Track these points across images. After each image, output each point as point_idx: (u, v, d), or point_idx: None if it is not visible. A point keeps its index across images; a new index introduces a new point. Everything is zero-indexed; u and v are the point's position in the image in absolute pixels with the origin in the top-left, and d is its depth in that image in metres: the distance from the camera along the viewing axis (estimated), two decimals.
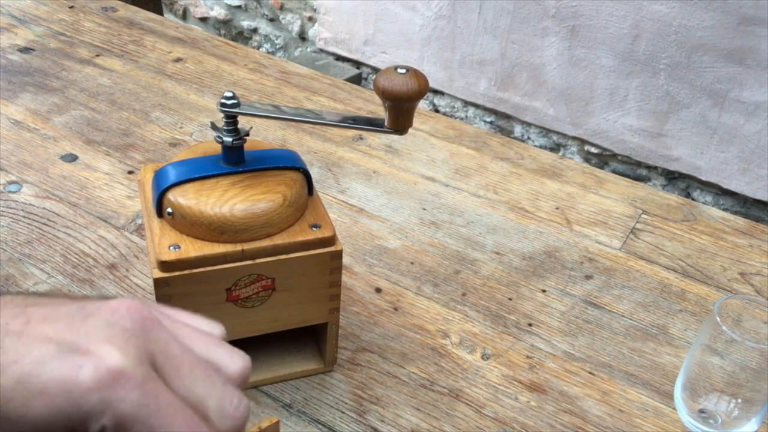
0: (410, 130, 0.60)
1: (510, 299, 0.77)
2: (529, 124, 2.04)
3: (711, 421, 0.58)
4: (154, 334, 0.33)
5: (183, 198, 0.57)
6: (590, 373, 0.69)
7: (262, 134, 1.00)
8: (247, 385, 0.38)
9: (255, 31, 2.52)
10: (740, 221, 0.90)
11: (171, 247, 0.56)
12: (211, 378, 0.34)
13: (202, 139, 0.98)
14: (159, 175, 0.60)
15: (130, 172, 0.91)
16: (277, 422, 0.50)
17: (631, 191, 0.94)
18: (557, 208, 0.90)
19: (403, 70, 0.55)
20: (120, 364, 0.30)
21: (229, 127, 0.59)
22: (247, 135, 0.60)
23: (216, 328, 0.38)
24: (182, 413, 0.32)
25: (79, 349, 0.31)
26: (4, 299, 0.34)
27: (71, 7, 1.30)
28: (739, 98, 1.68)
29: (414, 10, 2.06)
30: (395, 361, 0.69)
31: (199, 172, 0.59)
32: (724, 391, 0.57)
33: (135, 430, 0.30)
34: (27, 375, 0.30)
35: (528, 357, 0.70)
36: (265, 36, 2.51)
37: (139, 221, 0.83)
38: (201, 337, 0.36)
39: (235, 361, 0.36)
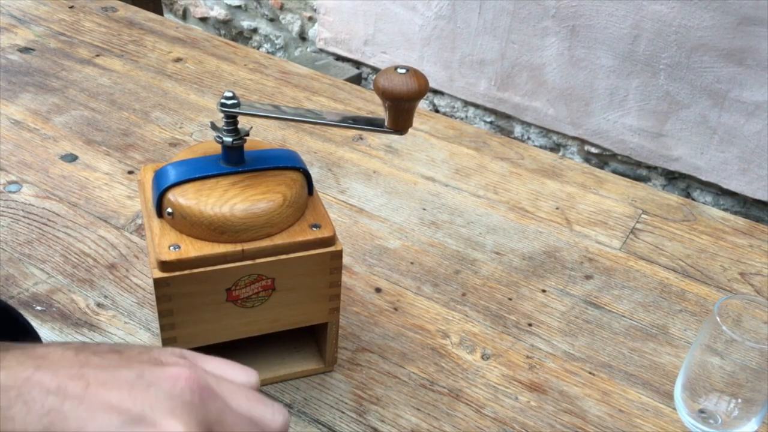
0: (410, 130, 0.60)
1: (510, 299, 0.77)
2: (529, 124, 2.04)
3: (711, 421, 0.58)
4: (211, 404, 0.34)
5: (183, 198, 0.57)
6: (590, 373, 0.69)
7: (262, 134, 1.00)
8: None
9: (255, 31, 2.52)
10: (740, 221, 0.90)
11: (171, 247, 0.56)
12: None
13: (202, 139, 0.98)
14: (159, 175, 0.60)
15: (130, 172, 0.91)
16: None
17: (631, 191, 0.94)
18: (557, 208, 0.90)
19: (403, 70, 0.55)
20: None
21: (229, 127, 0.59)
22: (247, 135, 0.60)
23: (252, 377, 0.39)
24: None
25: (144, 421, 0.31)
26: (52, 356, 0.33)
27: (71, 7, 1.29)
28: (739, 98, 1.68)
29: (414, 10, 2.06)
30: (395, 361, 0.69)
31: (199, 172, 0.59)
32: (724, 391, 0.57)
33: None
34: None
35: (528, 357, 0.70)
36: (265, 36, 2.51)
37: (139, 221, 0.83)
38: (243, 395, 0.37)
39: (276, 416, 0.38)
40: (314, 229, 0.59)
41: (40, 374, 0.31)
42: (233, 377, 0.38)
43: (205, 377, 0.34)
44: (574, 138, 1.98)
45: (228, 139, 0.59)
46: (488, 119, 2.11)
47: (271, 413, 0.38)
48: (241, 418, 0.35)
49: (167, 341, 0.59)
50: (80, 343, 0.35)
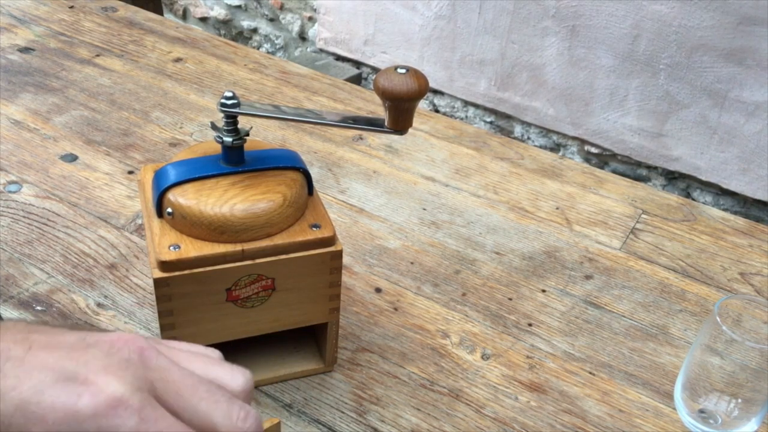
0: (410, 130, 0.60)
1: (510, 299, 0.77)
2: (529, 124, 2.04)
3: (711, 421, 0.58)
4: (153, 363, 0.34)
5: (183, 198, 0.57)
6: (590, 373, 0.69)
7: (262, 134, 1.00)
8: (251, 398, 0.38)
9: (255, 31, 2.52)
10: (740, 221, 0.90)
11: (171, 247, 0.56)
12: (214, 395, 0.35)
13: (202, 139, 0.98)
14: (159, 175, 0.60)
15: (130, 172, 0.91)
16: (278, 423, 0.50)
17: (631, 191, 0.94)
18: (557, 208, 0.90)
19: (403, 70, 0.55)
20: (117, 392, 0.31)
21: (229, 127, 0.59)
22: (247, 135, 0.60)
23: (214, 353, 0.39)
24: None
25: (78, 378, 0.32)
26: (6, 325, 0.34)
27: (71, 7, 1.30)
28: (739, 98, 1.68)
29: (414, 10, 2.06)
30: (395, 361, 0.69)
31: (199, 172, 0.59)
32: (724, 391, 0.57)
33: None
34: (26, 402, 0.31)
35: (528, 357, 0.70)
36: (265, 36, 2.51)
37: (139, 221, 0.83)
38: (200, 360, 0.37)
39: (236, 377, 0.37)
40: (314, 229, 0.59)
41: None
42: (195, 350, 0.38)
43: (149, 342, 0.34)
44: (574, 138, 1.98)
45: (228, 139, 0.59)
46: (488, 119, 2.11)
47: (231, 374, 0.37)
48: (192, 378, 0.35)
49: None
50: (35, 320, 0.36)
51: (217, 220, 0.56)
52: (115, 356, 0.33)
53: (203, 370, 0.36)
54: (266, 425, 0.57)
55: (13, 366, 0.32)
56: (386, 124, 0.57)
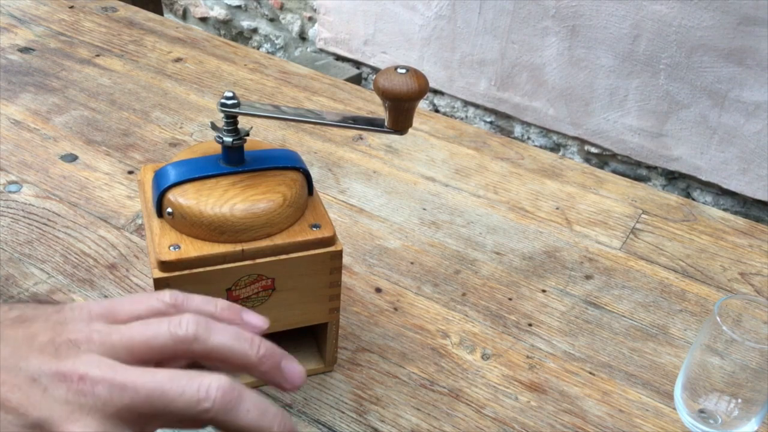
0: (410, 130, 0.60)
1: (510, 299, 0.77)
2: (529, 124, 2.04)
3: (711, 421, 0.58)
4: (106, 397, 0.34)
5: (183, 198, 0.57)
6: (590, 373, 0.69)
7: (262, 134, 1.00)
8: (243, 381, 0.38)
9: (255, 31, 2.52)
10: (740, 221, 0.90)
11: (171, 247, 0.56)
12: (167, 380, 0.34)
13: (202, 139, 0.98)
14: (159, 175, 0.60)
15: (130, 172, 0.91)
16: None
17: (631, 191, 0.94)
18: (557, 208, 0.90)
19: (403, 70, 0.55)
20: None
21: (229, 127, 0.59)
22: (247, 135, 0.60)
23: (157, 300, 0.39)
24: None
25: (42, 428, 0.32)
26: None
27: (71, 7, 1.30)
28: (739, 98, 1.68)
29: (414, 10, 2.06)
30: (395, 361, 0.69)
31: (199, 172, 0.59)
32: (724, 391, 0.57)
33: None
34: None
35: (528, 357, 0.70)
36: (265, 36, 2.51)
37: (139, 221, 0.83)
38: (143, 331, 0.37)
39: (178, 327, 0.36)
40: (314, 229, 0.59)
41: None
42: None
43: (102, 375, 0.34)
44: (574, 138, 1.98)
45: (228, 139, 0.59)
46: (488, 119, 2.11)
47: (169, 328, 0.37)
48: (147, 382, 0.35)
49: None
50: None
51: (217, 220, 0.56)
52: (73, 401, 0.33)
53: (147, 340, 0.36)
54: None
55: None
56: (386, 124, 0.57)
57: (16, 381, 0.33)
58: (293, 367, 0.38)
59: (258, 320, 0.40)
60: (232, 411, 0.34)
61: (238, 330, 0.37)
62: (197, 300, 0.39)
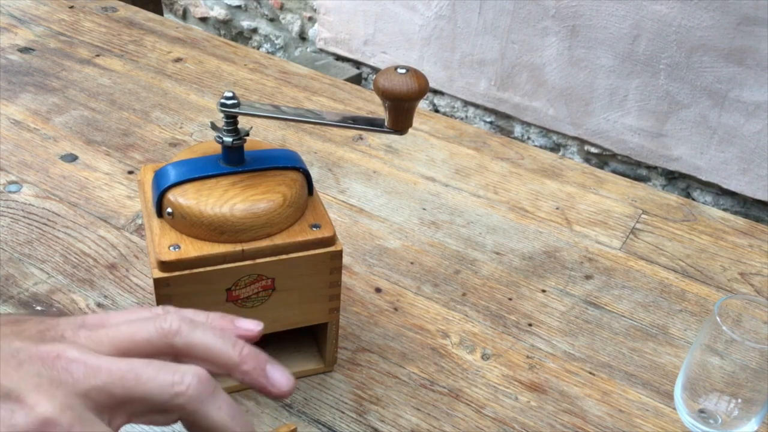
0: (410, 130, 0.60)
1: (510, 299, 0.77)
2: (529, 124, 2.04)
3: (711, 421, 0.58)
4: (81, 374, 0.34)
5: (183, 198, 0.57)
6: (590, 373, 0.69)
7: (262, 134, 1.00)
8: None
9: (255, 31, 2.52)
10: (740, 221, 0.90)
11: (171, 247, 0.56)
12: (145, 373, 0.35)
13: (202, 139, 0.98)
14: (159, 175, 0.60)
15: (130, 172, 0.91)
16: (294, 429, 0.50)
17: (631, 191, 0.94)
18: (557, 208, 0.90)
19: (403, 70, 0.55)
20: (47, 412, 0.32)
21: (229, 127, 0.59)
22: (247, 135, 0.60)
23: (144, 312, 0.39)
24: None
25: (11, 396, 0.33)
26: None
27: (71, 7, 1.30)
28: (739, 98, 1.68)
29: (414, 10, 2.06)
30: (395, 361, 0.69)
31: (199, 172, 0.59)
32: (724, 391, 0.57)
33: None
34: None
35: (528, 357, 0.70)
36: (265, 36, 2.51)
37: (139, 221, 0.83)
38: (129, 333, 0.37)
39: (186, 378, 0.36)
40: (314, 229, 0.59)
41: None
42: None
43: (80, 356, 0.35)
44: (574, 138, 1.98)
45: (228, 139, 0.59)
46: (488, 119, 2.11)
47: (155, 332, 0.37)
48: (120, 368, 0.35)
49: None
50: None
51: (217, 220, 0.56)
52: (45, 375, 0.34)
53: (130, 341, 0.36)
54: (282, 431, 0.57)
55: None
56: (386, 124, 0.57)
57: None
58: (279, 370, 0.38)
59: (251, 324, 0.40)
60: (204, 403, 0.34)
61: (223, 331, 0.38)
62: (188, 310, 0.39)
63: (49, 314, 0.39)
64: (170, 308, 0.39)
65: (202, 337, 0.36)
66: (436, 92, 2.15)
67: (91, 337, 0.36)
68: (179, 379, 0.34)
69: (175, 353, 0.36)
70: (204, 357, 0.36)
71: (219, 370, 0.37)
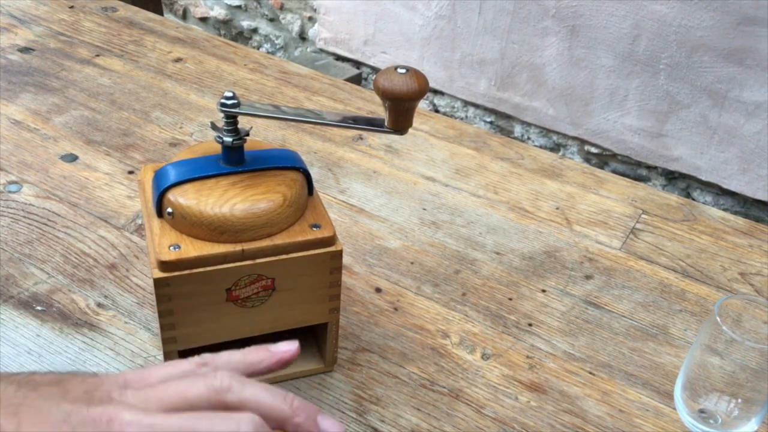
0: (410, 130, 0.60)
1: (510, 299, 0.77)
2: (529, 124, 2.04)
3: (711, 421, 0.58)
4: None
5: (183, 198, 0.57)
6: (590, 373, 0.69)
7: (262, 134, 1.00)
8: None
9: (255, 31, 2.52)
10: (740, 221, 0.90)
11: (171, 247, 0.56)
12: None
13: (202, 139, 0.98)
14: (159, 175, 0.60)
15: (130, 172, 0.91)
16: None
17: (631, 191, 0.94)
18: (557, 208, 0.90)
19: (403, 70, 0.55)
20: None
21: (229, 127, 0.59)
22: (247, 135, 0.60)
23: (190, 363, 0.40)
24: None
25: None
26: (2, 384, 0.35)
27: (71, 7, 1.30)
28: (739, 98, 1.68)
29: (414, 10, 2.06)
30: (395, 361, 0.69)
31: (199, 172, 0.59)
32: (724, 391, 0.57)
33: None
34: None
35: (528, 357, 0.70)
36: (265, 36, 2.51)
37: (139, 221, 0.83)
38: (175, 389, 0.37)
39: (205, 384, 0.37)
40: (314, 229, 0.59)
41: None
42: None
43: (133, 417, 0.35)
44: (574, 138, 1.98)
45: (228, 139, 0.59)
46: (488, 119, 2.11)
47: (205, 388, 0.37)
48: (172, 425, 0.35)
49: (167, 341, 0.59)
50: (25, 376, 0.37)
51: (217, 220, 0.56)
52: None
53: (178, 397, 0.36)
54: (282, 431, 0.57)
55: None
56: (386, 124, 0.57)
57: (47, 424, 0.33)
58: (328, 420, 0.39)
59: (287, 345, 0.40)
60: None
61: (272, 386, 0.38)
62: (225, 353, 0.40)
63: (84, 374, 0.39)
64: (210, 359, 0.38)
65: (254, 393, 0.37)
66: (436, 92, 2.15)
67: (138, 395, 0.36)
68: (235, 428, 0.34)
69: (226, 409, 0.37)
70: (256, 412, 0.37)
71: (271, 423, 0.37)
